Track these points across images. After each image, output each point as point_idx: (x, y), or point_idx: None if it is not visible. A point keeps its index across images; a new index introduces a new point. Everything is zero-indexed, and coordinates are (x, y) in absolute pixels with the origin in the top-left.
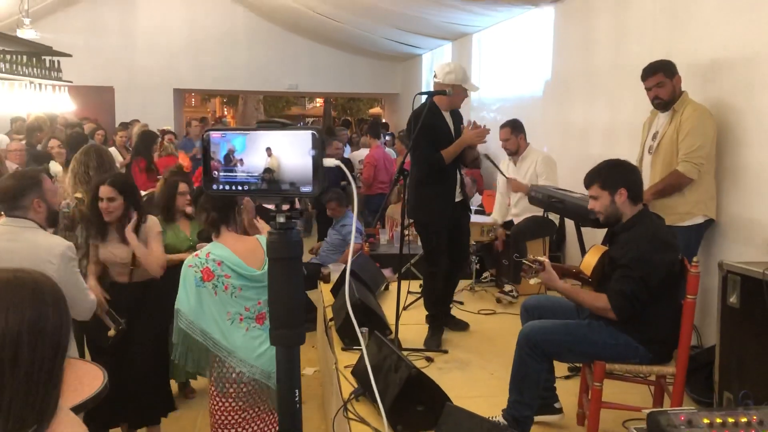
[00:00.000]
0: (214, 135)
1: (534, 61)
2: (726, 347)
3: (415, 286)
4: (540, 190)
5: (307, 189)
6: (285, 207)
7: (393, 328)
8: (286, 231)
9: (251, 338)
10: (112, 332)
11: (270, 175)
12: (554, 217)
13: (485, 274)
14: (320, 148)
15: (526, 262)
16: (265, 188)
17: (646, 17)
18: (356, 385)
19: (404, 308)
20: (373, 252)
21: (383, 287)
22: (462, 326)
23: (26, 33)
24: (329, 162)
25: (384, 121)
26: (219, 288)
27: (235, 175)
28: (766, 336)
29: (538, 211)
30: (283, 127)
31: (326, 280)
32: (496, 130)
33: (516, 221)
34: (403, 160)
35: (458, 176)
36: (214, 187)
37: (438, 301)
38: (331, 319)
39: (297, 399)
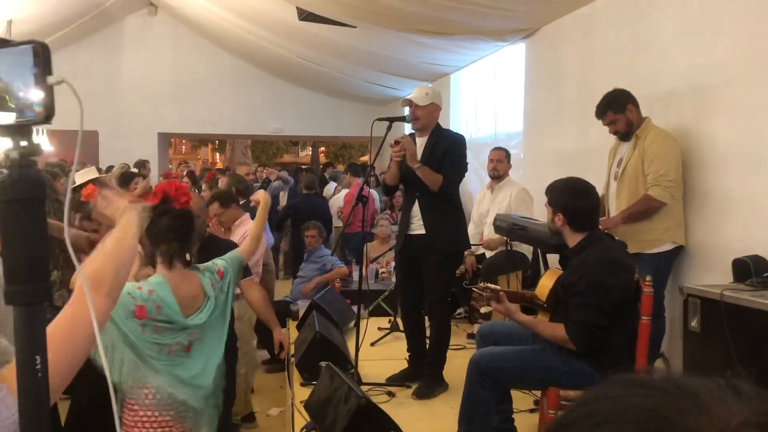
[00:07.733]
0: None
1: (510, 96)
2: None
3: (384, 322)
4: (504, 219)
5: (33, 114)
6: (23, 143)
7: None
8: (21, 168)
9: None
10: None
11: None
12: (528, 252)
13: (459, 310)
14: (44, 64)
15: (476, 290)
16: None
17: (609, 48)
18: (308, 419)
19: (372, 344)
20: (345, 288)
21: (352, 323)
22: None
23: None
24: (51, 80)
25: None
26: (147, 328)
27: None
28: (727, 359)
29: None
30: (3, 44)
31: (295, 317)
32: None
33: (488, 255)
34: (361, 187)
35: (415, 205)
36: None
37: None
38: (292, 355)
39: (38, 367)
